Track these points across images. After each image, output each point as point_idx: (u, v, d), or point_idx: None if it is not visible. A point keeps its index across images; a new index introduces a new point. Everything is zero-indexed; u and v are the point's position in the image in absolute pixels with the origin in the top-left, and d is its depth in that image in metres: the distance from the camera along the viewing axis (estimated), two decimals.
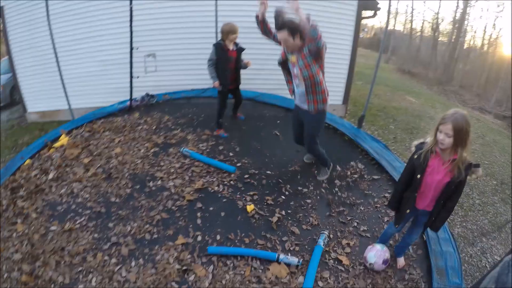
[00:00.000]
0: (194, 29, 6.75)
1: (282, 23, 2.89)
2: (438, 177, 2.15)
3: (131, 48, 4.98)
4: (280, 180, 3.65)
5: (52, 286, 2.56)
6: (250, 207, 3.20)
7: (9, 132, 8.50)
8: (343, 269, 2.68)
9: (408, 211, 2.37)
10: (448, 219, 2.83)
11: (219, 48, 4.06)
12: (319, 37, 2.79)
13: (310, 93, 3.14)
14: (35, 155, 4.15)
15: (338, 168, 3.92)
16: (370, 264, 2.64)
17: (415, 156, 2.23)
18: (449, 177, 2.10)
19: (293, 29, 2.89)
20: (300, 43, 2.96)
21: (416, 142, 2.30)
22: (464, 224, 5.13)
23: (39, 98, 8.22)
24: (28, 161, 4.00)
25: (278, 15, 2.92)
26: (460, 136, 1.95)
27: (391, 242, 2.94)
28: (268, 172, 3.78)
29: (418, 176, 2.22)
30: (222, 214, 3.18)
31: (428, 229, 2.45)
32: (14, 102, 10.43)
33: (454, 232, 4.80)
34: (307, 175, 3.78)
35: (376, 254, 2.63)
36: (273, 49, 6.87)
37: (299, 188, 3.55)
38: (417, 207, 2.37)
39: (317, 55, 2.94)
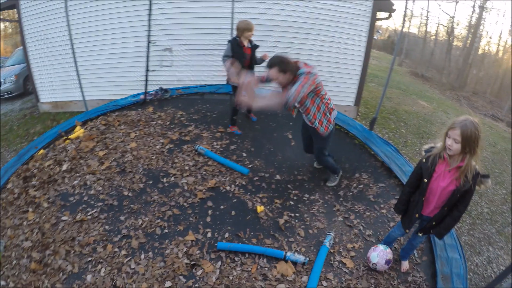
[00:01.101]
0: (210, 25, 6.80)
1: (272, 62, 2.99)
2: (443, 184, 2.13)
3: (148, 42, 5.02)
4: (290, 186, 3.67)
5: (61, 274, 2.61)
6: (260, 208, 3.22)
7: (21, 121, 8.62)
8: (347, 271, 2.68)
9: (417, 215, 2.35)
10: (454, 227, 2.83)
11: (235, 44, 4.10)
12: (293, 100, 2.93)
13: (314, 120, 3.22)
14: (49, 145, 4.21)
15: (347, 172, 3.91)
16: (373, 264, 2.64)
17: (424, 160, 2.22)
18: (455, 185, 2.09)
19: (283, 65, 2.96)
20: (291, 77, 3.01)
21: (426, 146, 2.29)
22: (471, 232, 5.08)
23: (52, 89, 8.32)
24: (42, 151, 4.06)
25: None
26: (469, 143, 1.93)
27: (395, 245, 2.93)
28: (278, 177, 3.79)
29: (425, 180, 2.21)
30: (232, 213, 3.21)
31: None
32: (27, 92, 10.60)
33: (461, 240, 4.76)
34: (316, 182, 3.79)
35: (379, 254, 2.63)
36: (289, 48, 6.96)
37: (307, 195, 3.57)
38: (422, 213, 2.35)
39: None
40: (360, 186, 3.73)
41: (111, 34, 7.21)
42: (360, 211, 3.35)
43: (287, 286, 2.50)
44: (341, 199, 3.53)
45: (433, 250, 2.91)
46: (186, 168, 3.76)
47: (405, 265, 2.73)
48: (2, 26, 22.50)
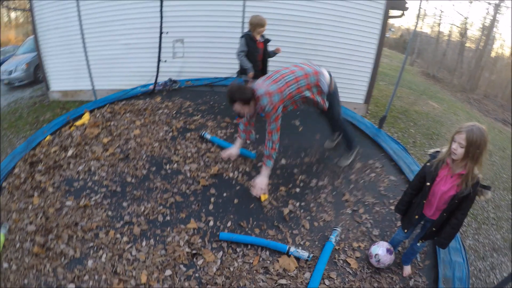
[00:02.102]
0: (221, 18, 6.79)
1: (231, 97, 2.95)
2: (444, 188, 2.13)
3: (161, 32, 5.01)
4: (295, 171, 3.60)
5: (63, 259, 2.62)
6: (264, 196, 3.16)
7: (31, 109, 8.72)
8: (350, 271, 2.63)
9: (416, 217, 2.36)
10: (458, 234, 2.77)
11: (249, 38, 4.14)
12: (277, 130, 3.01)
13: (313, 103, 3.22)
14: (56, 132, 4.24)
15: (361, 156, 3.86)
16: (376, 255, 2.60)
17: (428, 164, 2.23)
18: (455, 191, 2.08)
19: (243, 96, 2.92)
20: (254, 102, 2.99)
21: (431, 151, 2.29)
22: (476, 237, 5.00)
23: (62, 78, 8.40)
24: (48, 137, 4.08)
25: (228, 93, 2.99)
26: (473, 149, 1.91)
27: (399, 249, 2.87)
28: (283, 161, 3.73)
29: (428, 184, 2.21)
30: (235, 201, 3.17)
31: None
32: (37, 80, 10.73)
33: (465, 243, 4.69)
34: (323, 167, 3.71)
35: (378, 245, 2.63)
36: (300, 43, 6.91)
37: (315, 180, 3.50)
38: (424, 214, 2.36)
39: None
40: (372, 174, 3.67)
41: (122, 25, 7.24)
42: (370, 204, 3.28)
43: (289, 281, 2.47)
44: (351, 185, 3.47)
45: (436, 254, 2.85)
46: (189, 155, 3.74)
47: (407, 269, 2.67)
48: (14, 15, 22.79)
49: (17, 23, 23.04)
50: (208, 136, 3.99)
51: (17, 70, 10.47)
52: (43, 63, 8.33)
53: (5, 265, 2.59)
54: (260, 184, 3.10)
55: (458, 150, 1.96)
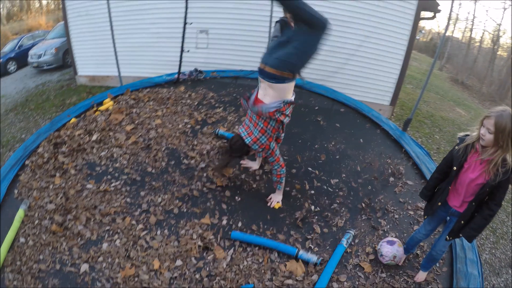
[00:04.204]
0: (248, 11, 6.73)
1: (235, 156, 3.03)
2: (472, 176, 2.00)
3: (185, 23, 5.02)
4: (313, 172, 3.56)
5: (79, 239, 2.70)
6: (277, 204, 3.14)
7: (58, 92, 8.96)
8: (362, 275, 2.57)
9: (439, 203, 2.23)
10: (475, 246, 2.66)
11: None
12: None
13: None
14: (81, 115, 4.33)
15: (371, 167, 3.76)
16: (378, 250, 2.63)
17: (456, 148, 2.09)
18: (484, 179, 1.94)
19: (242, 152, 2.98)
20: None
21: (461, 134, 2.15)
22: (493, 251, 4.81)
23: (90, 63, 8.58)
24: (73, 120, 4.17)
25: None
26: (502, 135, 1.79)
27: (418, 252, 2.79)
28: (296, 165, 3.68)
29: (454, 168, 2.08)
30: (249, 203, 3.16)
31: (458, 242, 2.26)
32: (66, 65, 11.02)
33: (481, 257, 4.51)
34: (341, 169, 3.66)
35: (380, 243, 2.67)
36: (326, 39, 6.77)
37: (332, 182, 3.45)
38: (449, 204, 2.21)
39: None
40: (392, 178, 3.60)
41: (150, 14, 7.30)
42: (387, 208, 3.20)
43: (295, 282, 2.45)
44: (369, 188, 3.41)
45: (452, 263, 2.76)
46: (204, 152, 3.74)
47: (421, 275, 2.56)
48: (45, 2, 23.43)
49: (48, 9, 23.69)
50: (222, 133, 3.99)
51: (46, 54, 10.78)
52: (72, 48, 8.53)
53: (22, 239, 2.69)
54: (275, 199, 3.16)
55: (487, 136, 1.85)
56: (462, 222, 2.10)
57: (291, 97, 2.73)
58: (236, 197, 3.21)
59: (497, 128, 1.79)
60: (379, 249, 2.65)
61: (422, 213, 2.66)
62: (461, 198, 2.12)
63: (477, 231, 2.06)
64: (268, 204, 3.13)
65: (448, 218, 2.33)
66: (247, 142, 2.80)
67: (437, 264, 2.72)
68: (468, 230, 2.07)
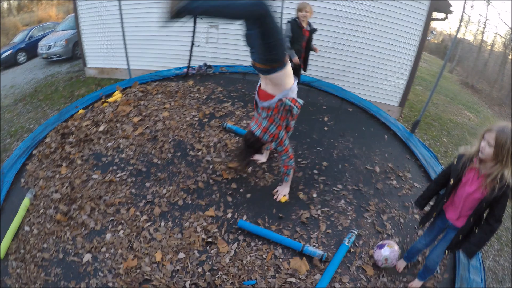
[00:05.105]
0: None
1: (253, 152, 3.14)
2: (469, 190, 1.98)
3: (195, 17, 5.01)
4: (319, 170, 3.52)
5: (83, 229, 2.71)
6: (284, 198, 3.11)
7: (67, 83, 9.02)
8: (364, 278, 2.54)
9: (434, 214, 2.25)
10: (479, 252, 2.61)
11: (295, 25, 4.14)
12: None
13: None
14: (89, 107, 4.35)
15: (378, 168, 3.72)
16: (372, 257, 2.63)
17: (455, 161, 2.09)
18: (481, 193, 1.92)
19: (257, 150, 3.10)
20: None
21: (461, 149, 2.13)
22: (497, 258, 4.74)
23: (99, 55, 8.62)
24: (81, 111, 4.19)
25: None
26: (502, 149, 1.77)
27: (419, 258, 2.74)
28: (304, 163, 3.64)
29: (452, 181, 2.07)
30: (255, 197, 3.13)
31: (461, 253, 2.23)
32: (75, 56, 11.11)
33: (485, 264, 4.45)
34: (348, 168, 3.62)
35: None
36: (336, 38, 6.75)
37: (338, 181, 3.41)
38: (446, 217, 2.21)
39: None
40: (397, 180, 3.55)
41: (160, 8, 7.29)
42: (393, 211, 3.15)
43: (298, 280, 2.43)
44: (376, 190, 3.36)
45: (455, 269, 2.71)
46: (211, 144, 3.73)
47: (416, 283, 2.51)
48: None
49: (58, 1, 23.82)
50: (230, 126, 3.99)
51: (56, 45, 10.86)
52: (82, 40, 8.58)
53: (26, 228, 2.71)
54: (282, 192, 3.12)
55: (486, 149, 1.83)
56: (461, 236, 2.08)
57: (292, 82, 2.69)
58: (242, 190, 3.19)
59: (498, 142, 1.78)
60: (372, 256, 2.64)
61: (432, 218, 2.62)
62: (458, 211, 2.11)
63: (478, 247, 2.02)
64: (274, 197, 3.11)
65: (442, 224, 2.32)
66: (257, 134, 2.82)
67: (438, 271, 2.68)
68: (468, 245, 2.05)
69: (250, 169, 3.45)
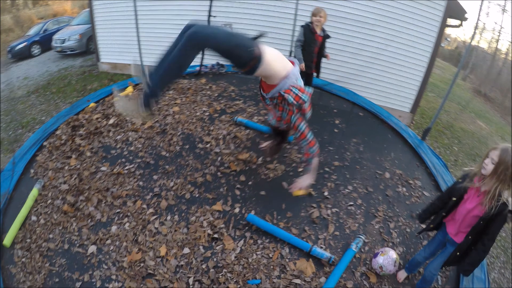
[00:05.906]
0: (274, 7, 6.70)
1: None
2: (469, 206, 2.04)
3: (209, 15, 5.03)
4: (330, 172, 3.47)
5: (89, 220, 2.73)
6: (299, 192, 2.81)
7: (80, 77, 9.11)
8: (367, 285, 2.50)
9: (431, 226, 2.33)
10: (485, 263, 2.58)
11: (308, 30, 4.13)
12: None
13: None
14: (100, 101, 4.38)
15: (388, 174, 3.66)
16: (372, 259, 2.60)
17: (459, 179, 2.18)
18: (479, 211, 1.97)
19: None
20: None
21: (466, 169, 2.20)
22: (502, 271, 4.65)
23: (112, 51, 8.70)
24: (92, 104, 4.22)
25: None
26: (502, 167, 1.84)
27: (421, 269, 2.68)
28: (321, 158, 3.60)
29: (454, 199, 2.14)
30: (263, 192, 3.09)
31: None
32: (89, 51, 11.21)
33: (490, 276, 4.36)
34: (358, 172, 3.56)
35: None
36: (349, 41, 6.71)
37: (348, 184, 3.36)
38: (447, 231, 2.25)
39: None
40: (407, 187, 3.49)
41: (176, 5, 7.36)
42: (400, 219, 3.09)
43: (303, 283, 2.40)
44: (385, 196, 3.29)
45: (459, 280, 2.65)
46: (220, 137, 3.71)
47: None
48: None
49: None
50: (241, 120, 3.97)
51: (70, 39, 10.99)
52: (96, 35, 8.66)
53: (33, 218, 2.74)
54: (299, 185, 2.78)
55: (489, 165, 1.90)
56: (458, 254, 2.12)
57: (284, 65, 2.55)
58: (251, 183, 3.16)
59: (500, 160, 1.85)
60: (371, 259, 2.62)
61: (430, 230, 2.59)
62: (457, 226, 2.16)
63: (473, 266, 2.07)
64: (289, 186, 2.89)
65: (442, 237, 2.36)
66: (273, 124, 2.93)
67: (440, 283, 2.63)
68: (463, 265, 2.10)
69: (260, 159, 3.43)
